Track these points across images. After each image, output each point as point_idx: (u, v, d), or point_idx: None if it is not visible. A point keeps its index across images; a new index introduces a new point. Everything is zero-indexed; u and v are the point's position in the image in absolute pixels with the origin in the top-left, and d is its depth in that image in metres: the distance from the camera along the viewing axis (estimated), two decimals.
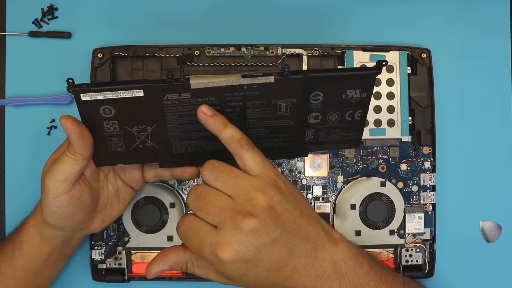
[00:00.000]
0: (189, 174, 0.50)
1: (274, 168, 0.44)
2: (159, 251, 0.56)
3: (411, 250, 0.57)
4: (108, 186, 0.51)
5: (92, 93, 0.42)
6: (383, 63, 0.44)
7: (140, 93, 0.42)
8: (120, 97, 0.43)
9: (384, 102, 0.57)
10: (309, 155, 0.57)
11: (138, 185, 0.52)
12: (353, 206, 0.56)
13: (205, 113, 0.44)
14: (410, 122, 0.57)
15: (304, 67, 0.57)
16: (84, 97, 0.42)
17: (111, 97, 0.43)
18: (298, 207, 0.44)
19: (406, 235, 0.57)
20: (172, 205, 0.56)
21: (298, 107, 0.46)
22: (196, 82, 0.43)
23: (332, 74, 0.45)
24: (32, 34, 0.59)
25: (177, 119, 0.45)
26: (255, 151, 0.44)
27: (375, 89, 0.57)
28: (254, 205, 0.42)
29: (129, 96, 0.43)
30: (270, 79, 0.43)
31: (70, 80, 0.42)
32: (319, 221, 0.45)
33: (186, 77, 0.43)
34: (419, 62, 0.58)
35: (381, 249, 0.57)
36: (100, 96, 0.42)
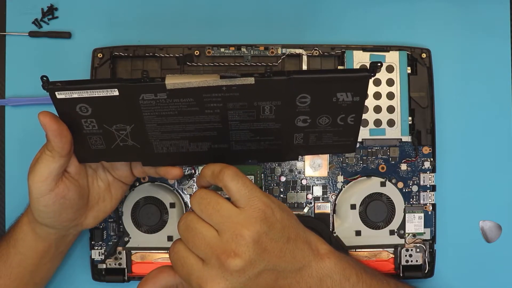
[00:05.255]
0: (172, 175, 0.49)
1: (263, 195, 0.44)
2: (159, 251, 0.56)
3: (411, 250, 0.57)
4: (98, 181, 0.50)
5: (67, 91, 0.42)
6: (378, 65, 0.41)
7: (115, 92, 0.42)
8: (95, 96, 0.42)
9: (384, 102, 0.57)
10: (308, 155, 0.57)
11: (129, 180, 0.52)
12: (353, 206, 0.56)
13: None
14: (410, 122, 0.57)
15: (304, 67, 0.57)
16: (59, 95, 0.42)
17: (86, 96, 0.42)
18: (285, 234, 0.44)
19: (406, 235, 0.57)
20: (172, 205, 0.56)
21: (284, 109, 0.44)
22: (171, 83, 0.41)
23: (318, 76, 0.42)
24: (32, 34, 0.59)
25: (155, 119, 0.44)
26: (240, 181, 0.43)
27: (375, 89, 0.57)
28: (239, 243, 0.42)
29: (104, 95, 0.42)
30: (251, 80, 0.41)
31: (45, 78, 0.41)
32: (306, 240, 0.46)
33: (162, 77, 0.42)
34: (419, 62, 0.58)
35: (381, 249, 0.57)
36: (75, 94, 0.42)
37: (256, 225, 0.43)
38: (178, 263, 0.44)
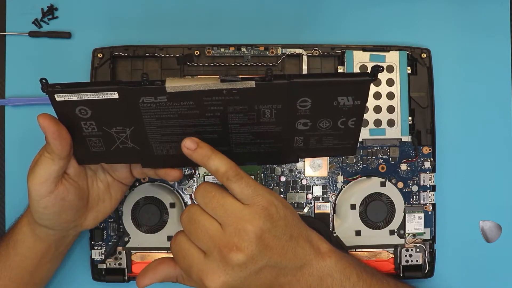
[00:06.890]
0: (171, 177, 0.49)
1: (266, 192, 0.44)
2: (159, 251, 0.56)
3: (411, 250, 0.57)
4: (97, 182, 0.50)
5: (66, 94, 0.41)
6: (379, 69, 0.41)
7: (115, 95, 0.41)
8: (94, 98, 0.42)
9: (384, 102, 0.57)
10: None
11: (128, 180, 0.52)
12: (353, 206, 0.56)
13: (188, 147, 0.44)
14: (410, 122, 0.57)
15: (304, 67, 0.57)
16: (59, 97, 0.42)
17: (86, 98, 0.42)
18: (288, 231, 0.44)
19: (406, 235, 0.57)
20: (172, 205, 0.56)
21: (284, 113, 0.43)
22: (172, 86, 0.41)
23: (319, 80, 0.42)
24: (32, 34, 0.59)
25: (155, 121, 0.44)
26: (244, 181, 0.43)
27: (375, 89, 0.57)
28: (242, 237, 0.42)
29: (104, 98, 0.42)
30: (251, 84, 0.41)
31: (44, 80, 0.41)
32: (308, 238, 0.46)
33: (162, 79, 0.41)
34: (419, 62, 0.58)
35: (381, 249, 0.57)
36: (74, 97, 0.41)
37: (259, 221, 0.43)
38: (180, 255, 0.44)
